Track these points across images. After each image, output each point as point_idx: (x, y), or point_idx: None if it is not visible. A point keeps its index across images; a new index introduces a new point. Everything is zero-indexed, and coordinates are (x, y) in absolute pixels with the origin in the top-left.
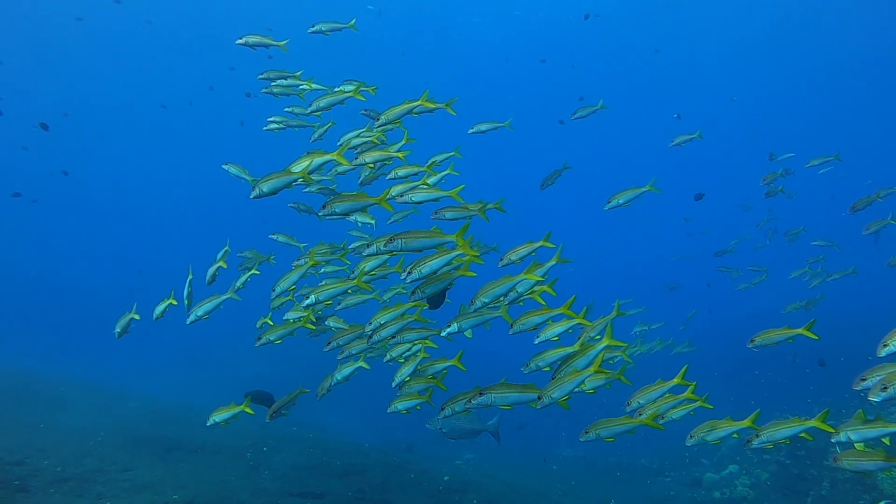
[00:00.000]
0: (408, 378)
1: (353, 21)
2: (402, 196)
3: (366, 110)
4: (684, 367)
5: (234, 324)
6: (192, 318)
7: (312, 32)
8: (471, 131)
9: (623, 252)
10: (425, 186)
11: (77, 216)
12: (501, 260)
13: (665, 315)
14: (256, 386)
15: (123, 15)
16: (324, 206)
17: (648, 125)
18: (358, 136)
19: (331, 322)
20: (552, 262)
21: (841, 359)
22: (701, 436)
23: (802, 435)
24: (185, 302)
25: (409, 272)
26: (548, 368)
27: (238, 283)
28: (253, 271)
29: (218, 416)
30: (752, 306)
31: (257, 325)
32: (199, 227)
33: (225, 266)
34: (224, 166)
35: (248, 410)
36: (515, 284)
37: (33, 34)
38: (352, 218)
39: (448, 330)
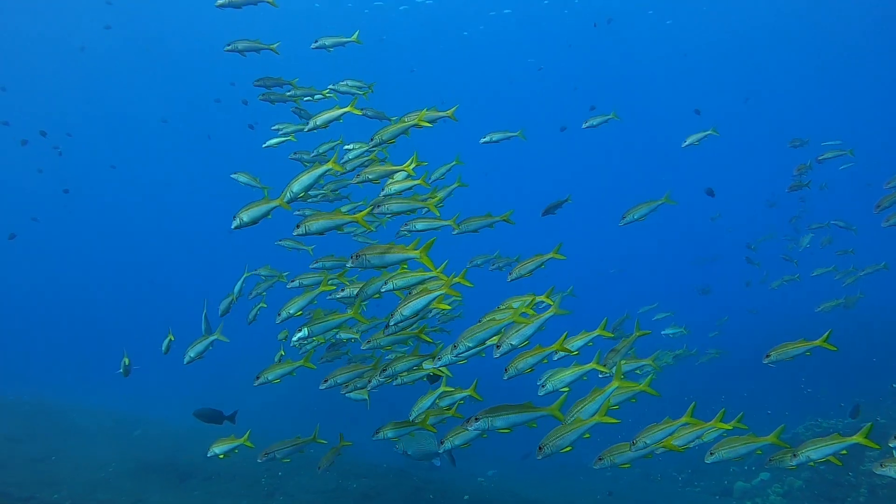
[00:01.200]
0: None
1: (357, 34)
2: (406, 225)
3: (363, 110)
4: (692, 405)
5: (250, 346)
6: (186, 359)
7: (316, 48)
8: (482, 141)
9: (650, 255)
10: (430, 213)
11: (87, 239)
12: (511, 274)
13: (697, 321)
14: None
15: (125, 41)
16: (298, 226)
17: (668, 123)
18: (359, 155)
19: (342, 334)
20: (549, 314)
21: (873, 359)
22: (722, 453)
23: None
24: (205, 335)
25: (391, 315)
26: (565, 389)
27: (250, 317)
28: (261, 305)
29: (218, 448)
30: (789, 306)
31: (276, 359)
32: (215, 241)
33: (234, 299)
34: (233, 176)
35: (248, 444)
36: (502, 329)
37: (39, 59)
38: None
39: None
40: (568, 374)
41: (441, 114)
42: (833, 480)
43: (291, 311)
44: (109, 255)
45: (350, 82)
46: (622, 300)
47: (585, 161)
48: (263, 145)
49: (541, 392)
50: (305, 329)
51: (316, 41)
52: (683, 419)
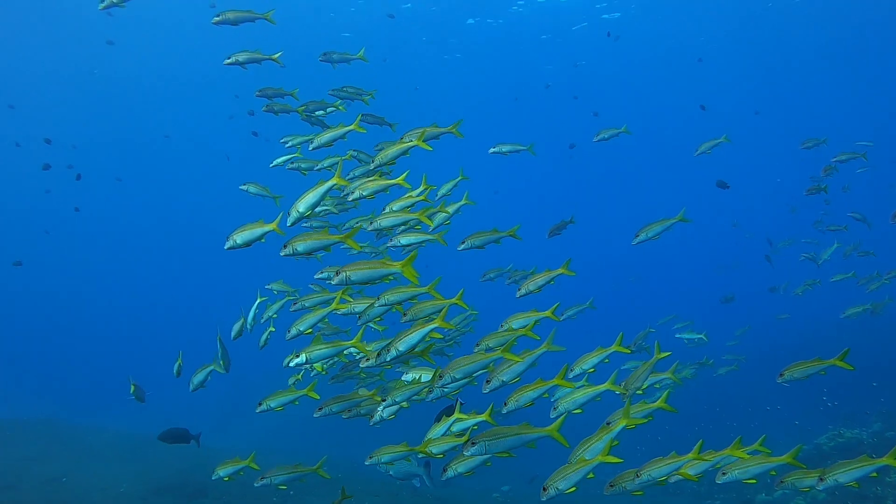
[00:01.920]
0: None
1: (362, 51)
2: (391, 240)
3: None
4: (700, 442)
5: (267, 363)
6: (191, 387)
7: (323, 61)
8: (492, 150)
9: (670, 262)
10: (416, 228)
11: (101, 256)
12: (519, 290)
13: (719, 330)
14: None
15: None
16: (285, 246)
17: (684, 128)
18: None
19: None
20: (542, 350)
21: None
22: (735, 474)
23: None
24: (221, 362)
25: (386, 350)
26: (578, 410)
27: (261, 342)
28: (271, 329)
29: (223, 471)
30: (813, 311)
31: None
32: (227, 252)
33: (250, 329)
34: (242, 187)
35: (254, 466)
36: (490, 362)
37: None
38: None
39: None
40: (581, 395)
41: (443, 130)
42: (858, 493)
43: (301, 329)
44: (122, 271)
45: (350, 89)
46: (641, 309)
47: (600, 167)
48: (271, 164)
49: (553, 414)
50: (303, 355)
51: (324, 54)
52: (690, 455)
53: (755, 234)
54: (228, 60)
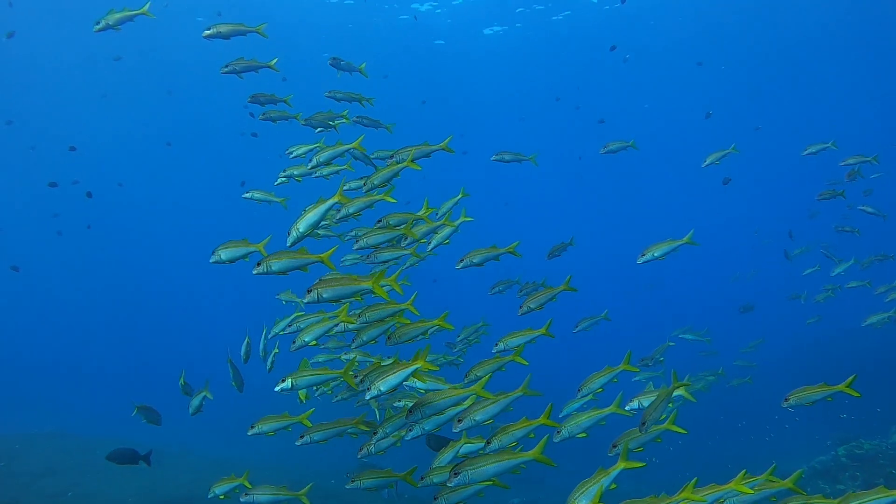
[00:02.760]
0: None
1: (364, 65)
2: (368, 257)
3: (358, 117)
4: (693, 481)
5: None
6: (191, 411)
7: (331, 65)
8: (494, 158)
9: (688, 272)
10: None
11: (107, 267)
12: (521, 308)
13: (738, 341)
14: None
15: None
16: (258, 264)
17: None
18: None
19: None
20: (518, 393)
21: None
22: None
23: None
24: (234, 384)
25: (367, 387)
26: (583, 435)
27: (267, 365)
28: (275, 351)
29: (218, 489)
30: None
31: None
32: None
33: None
34: (246, 196)
35: (247, 484)
36: (464, 399)
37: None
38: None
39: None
40: (585, 418)
41: (434, 147)
42: None
43: (307, 340)
44: (134, 275)
45: (341, 93)
46: (658, 318)
47: (615, 174)
48: (276, 182)
49: (556, 439)
50: (289, 381)
51: (333, 59)
52: (682, 494)
53: (772, 242)
54: (225, 69)
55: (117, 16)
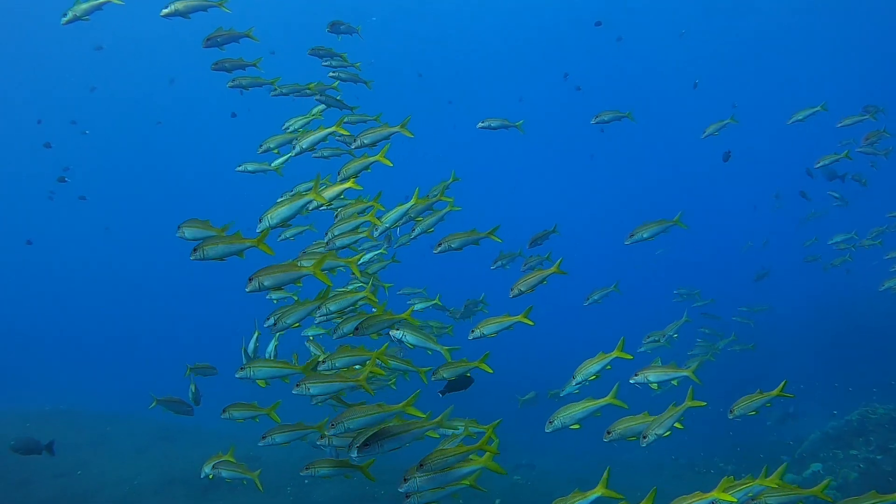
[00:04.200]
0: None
1: (360, 65)
2: (327, 243)
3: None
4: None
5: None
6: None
7: (330, 32)
8: (480, 125)
9: (699, 241)
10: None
11: (114, 242)
12: (512, 290)
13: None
14: None
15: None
16: (195, 250)
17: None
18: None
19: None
20: (435, 423)
21: None
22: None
23: None
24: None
25: (333, 425)
26: (576, 426)
27: (270, 352)
28: (275, 342)
29: (225, 472)
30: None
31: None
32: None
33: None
34: (239, 168)
35: (231, 459)
36: (390, 417)
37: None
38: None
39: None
40: (579, 409)
41: (393, 129)
42: (891, 472)
43: (288, 322)
44: (134, 260)
45: (340, 70)
46: (669, 287)
47: (624, 149)
48: (273, 165)
49: (548, 429)
50: (249, 369)
51: (331, 24)
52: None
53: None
54: (208, 43)
55: (84, 6)
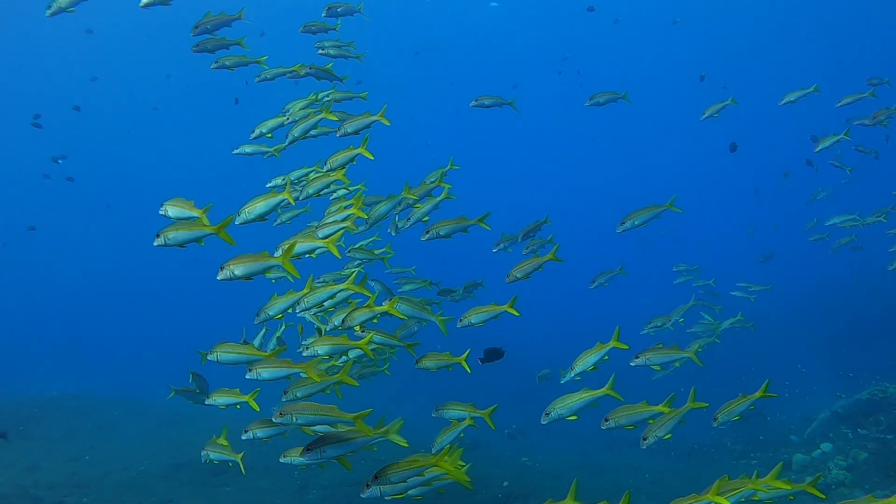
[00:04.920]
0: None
1: (361, 5)
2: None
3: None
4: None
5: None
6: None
7: (327, 17)
8: (473, 104)
9: (705, 222)
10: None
11: (125, 233)
12: (508, 276)
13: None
14: None
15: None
16: (157, 235)
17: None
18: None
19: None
20: (377, 434)
21: None
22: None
23: None
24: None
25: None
26: (573, 417)
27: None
28: (278, 335)
29: (213, 454)
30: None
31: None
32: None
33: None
34: (236, 151)
35: (224, 443)
36: (338, 421)
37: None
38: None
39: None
40: (576, 400)
41: (373, 118)
42: None
43: (271, 314)
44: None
45: (329, 43)
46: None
47: (626, 135)
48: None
49: (544, 420)
50: (216, 353)
51: (327, 8)
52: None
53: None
54: (196, 30)
55: None
